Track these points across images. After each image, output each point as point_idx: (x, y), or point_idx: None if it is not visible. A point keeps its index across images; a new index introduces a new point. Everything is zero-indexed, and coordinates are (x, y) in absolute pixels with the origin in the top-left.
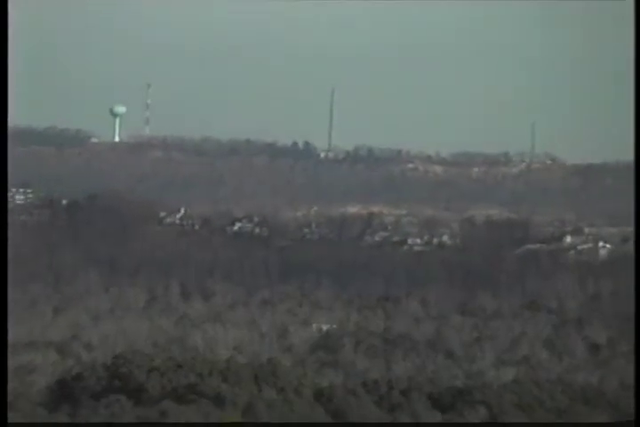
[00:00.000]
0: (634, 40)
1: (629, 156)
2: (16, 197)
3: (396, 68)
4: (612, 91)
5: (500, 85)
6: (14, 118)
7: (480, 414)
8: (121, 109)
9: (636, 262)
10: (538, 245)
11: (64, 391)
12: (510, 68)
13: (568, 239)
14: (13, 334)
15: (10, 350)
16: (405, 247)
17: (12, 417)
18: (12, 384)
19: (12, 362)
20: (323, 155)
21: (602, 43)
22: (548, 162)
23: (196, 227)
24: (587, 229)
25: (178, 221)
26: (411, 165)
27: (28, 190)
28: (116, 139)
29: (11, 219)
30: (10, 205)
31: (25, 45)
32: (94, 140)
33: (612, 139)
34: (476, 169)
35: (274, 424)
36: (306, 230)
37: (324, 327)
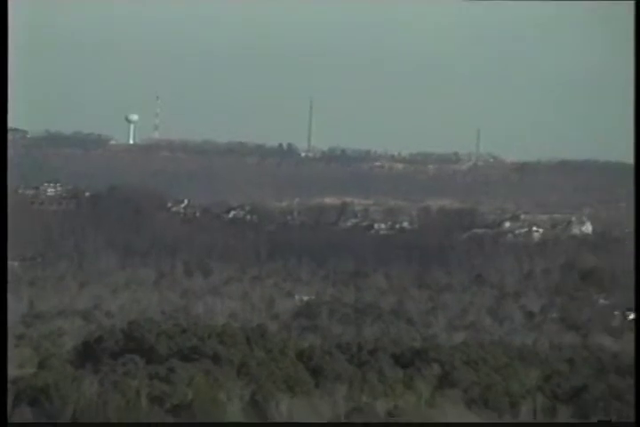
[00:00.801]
0: (634, 40)
1: (559, 154)
2: (47, 190)
3: (365, 78)
4: (546, 96)
5: (450, 94)
6: (48, 125)
7: (434, 370)
8: (134, 117)
9: (635, 262)
10: (482, 230)
11: (88, 352)
12: (460, 80)
13: (507, 225)
14: (46, 304)
15: (42, 318)
16: (372, 231)
17: (44, 375)
18: (44, 346)
19: (45, 328)
20: (303, 154)
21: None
22: (491, 160)
23: (197, 215)
24: (522, 216)
25: (182, 210)
26: (377, 163)
27: (58, 184)
28: (131, 141)
29: (42, 208)
30: (42, 197)
31: (56, 63)
32: (113, 142)
33: (545, 139)
34: (430, 166)
35: (274, 424)
36: (289, 217)
37: (305, 298)
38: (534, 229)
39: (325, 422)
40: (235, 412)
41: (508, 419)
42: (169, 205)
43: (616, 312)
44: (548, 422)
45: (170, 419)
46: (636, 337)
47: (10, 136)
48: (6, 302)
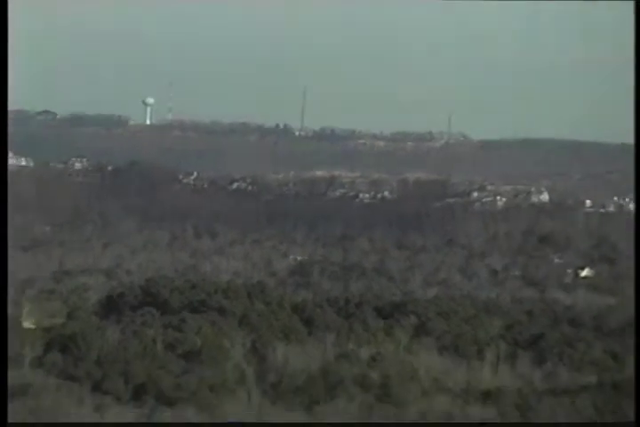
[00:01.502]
0: (634, 40)
1: (521, 133)
2: (75, 164)
3: (351, 67)
4: (507, 82)
5: (425, 79)
6: (74, 108)
7: (411, 321)
8: (151, 101)
9: (635, 261)
10: (453, 199)
11: (110, 305)
12: (434, 67)
13: (475, 194)
14: (72, 263)
15: (70, 275)
16: (357, 200)
17: (72, 325)
18: (72, 300)
19: (72, 283)
20: (297, 133)
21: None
22: (461, 139)
23: (205, 186)
24: (488, 187)
25: (192, 182)
26: (361, 141)
27: (84, 159)
28: (147, 122)
29: (70, 180)
30: (69, 170)
31: (82, 53)
32: (132, 123)
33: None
34: (408, 144)
35: (274, 424)
36: (285, 188)
37: (298, 258)
38: (498, 198)
39: (325, 422)
40: (237, 357)
41: (475, 364)
42: (180, 177)
43: (569, 270)
44: (548, 423)
45: (181, 363)
46: (636, 336)
47: (41, 117)
48: (6, 303)
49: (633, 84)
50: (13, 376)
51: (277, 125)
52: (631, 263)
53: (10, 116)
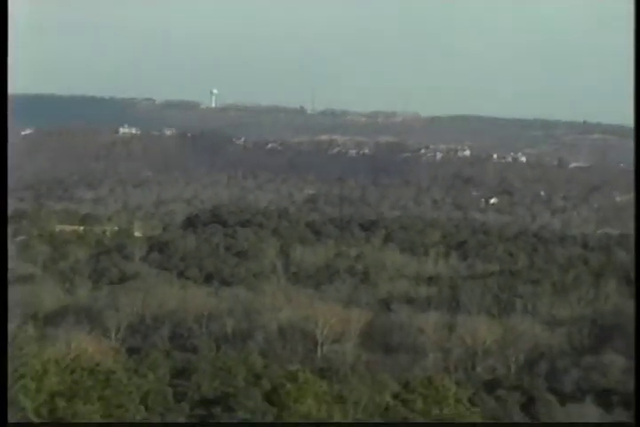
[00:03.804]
0: (634, 40)
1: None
2: (167, 132)
3: (348, 65)
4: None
5: (385, 67)
6: (167, 95)
7: (382, 232)
8: (215, 91)
9: (636, 261)
10: (409, 154)
11: (190, 222)
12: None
13: (422, 151)
14: (166, 195)
15: (164, 203)
16: (348, 155)
17: (165, 235)
18: (165, 219)
19: (165, 208)
20: (309, 112)
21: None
22: (415, 115)
23: (250, 146)
24: (431, 146)
25: (241, 144)
26: (349, 117)
27: (172, 129)
28: (213, 105)
29: (163, 142)
30: (163, 136)
31: (173, 56)
32: (203, 106)
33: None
34: (380, 119)
35: (274, 424)
36: (301, 147)
37: (310, 192)
38: (438, 153)
39: (325, 422)
40: (271, 256)
41: (423, 259)
42: (234, 140)
43: (482, 199)
44: (548, 423)
45: (235, 259)
46: (636, 335)
47: (146, 102)
48: (7, 302)
49: (633, 85)
50: (128, 268)
51: (296, 108)
52: (523, 195)
53: (123, 101)
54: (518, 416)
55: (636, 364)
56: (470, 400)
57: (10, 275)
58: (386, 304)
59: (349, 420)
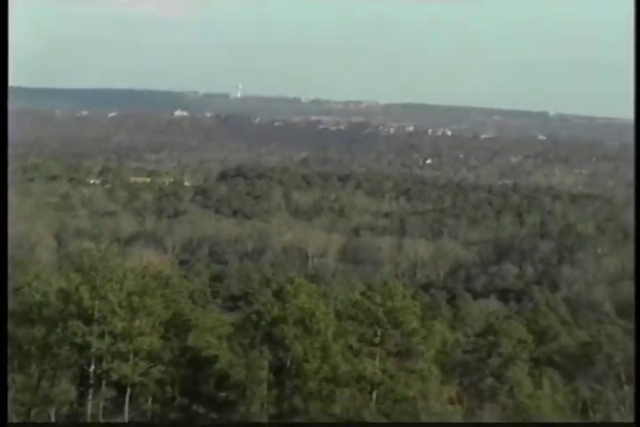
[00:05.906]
0: (634, 40)
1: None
2: (207, 114)
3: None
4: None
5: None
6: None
7: (355, 182)
8: (240, 86)
9: (635, 262)
10: (371, 129)
11: (222, 175)
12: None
13: (380, 128)
14: (206, 157)
15: (204, 162)
16: (329, 130)
17: (205, 184)
18: (204, 173)
19: (204, 166)
20: (304, 101)
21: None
22: (374, 103)
23: (263, 124)
24: (387, 124)
25: (257, 123)
26: (332, 105)
27: (211, 112)
28: (239, 96)
29: (203, 122)
30: (204, 117)
31: (218, 62)
32: (231, 96)
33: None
34: (351, 105)
35: (274, 424)
36: (299, 124)
37: (304, 155)
38: (391, 129)
39: (325, 422)
40: (277, 197)
41: (381, 201)
42: (252, 120)
43: (421, 160)
44: (548, 423)
45: (252, 201)
46: (636, 337)
47: (192, 94)
48: (7, 302)
49: (633, 83)
50: (180, 207)
51: (294, 97)
52: (448, 157)
53: (176, 93)
54: (445, 309)
55: (636, 364)
56: (413, 296)
57: (100, 211)
58: (356, 231)
59: (330, 312)
